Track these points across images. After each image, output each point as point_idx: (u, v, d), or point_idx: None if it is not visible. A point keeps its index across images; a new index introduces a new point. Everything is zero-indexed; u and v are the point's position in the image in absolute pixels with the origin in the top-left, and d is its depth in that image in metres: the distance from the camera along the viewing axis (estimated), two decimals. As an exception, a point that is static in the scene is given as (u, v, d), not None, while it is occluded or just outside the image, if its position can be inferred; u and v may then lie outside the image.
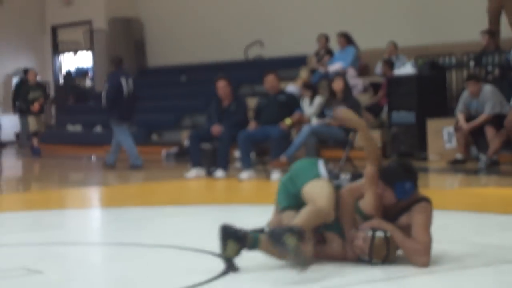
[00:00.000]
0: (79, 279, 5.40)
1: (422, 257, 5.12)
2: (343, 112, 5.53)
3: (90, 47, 23.51)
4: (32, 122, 18.40)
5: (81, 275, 5.53)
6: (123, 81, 14.09)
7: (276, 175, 11.16)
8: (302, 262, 4.86)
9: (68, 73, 25.06)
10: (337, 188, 5.30)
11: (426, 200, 5.29)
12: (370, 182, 5.25)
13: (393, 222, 5.26)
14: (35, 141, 18.49)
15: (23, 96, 18.56)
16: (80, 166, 16.92)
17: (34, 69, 19.90)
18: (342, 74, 13.04)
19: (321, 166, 5.41)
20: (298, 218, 5.07)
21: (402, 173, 5.26)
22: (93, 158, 17.66)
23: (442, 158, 12.71)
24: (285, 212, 5.39)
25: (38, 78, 19.55)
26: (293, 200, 5.39)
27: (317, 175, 5.33)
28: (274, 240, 4.95)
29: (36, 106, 18.19)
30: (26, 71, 19.45)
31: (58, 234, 7.42)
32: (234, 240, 5.15)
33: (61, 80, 24.92)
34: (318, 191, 5.20)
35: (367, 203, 5.26)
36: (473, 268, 5.19)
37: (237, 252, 5.16)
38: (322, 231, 5.32)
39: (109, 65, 21.69)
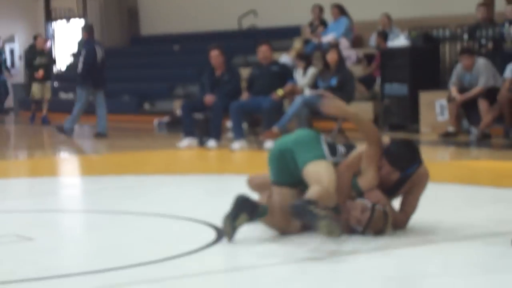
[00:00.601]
0: (69, 246, 5.42)
1: (405, 225, 5.40)
2: (332, 105, 5.46)
3: (83, 14, 23.39)
4: (36, 90, 18.11)
5: (72, 242, 5.55)
6: (97, 48, 14.35)
7: (268, 145, 11.17)
8: (335, 229, 4.83)
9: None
10: (335, 165, 5.28)
11: (427, 173, 5.37)
12: (371, 162, 5.26)
13: (391, 192, 5.33)
14: (44, 110, 18.18)
15: (29, 62, 18.25)
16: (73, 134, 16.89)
17: (42, 35, 19.72)
18: (336, 45, 13.02)
19: (324, 146, 5.29)
20: (315, 193, 4.96)
21: (411, 159, 5.33)
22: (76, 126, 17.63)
23: (433, 131, 12.73)
24: (280, 189, 5.33)
25: (49, 44, 19.37)
26: (288, 176, 5.30)
27: (321, 156, 5.21)
28: (300, 214, 4.87)
29: (40, 73, 17.88)
30: (35, 37, 19.13)
31: (50, 202, 7.43)
32: (246, 212, 5.14)
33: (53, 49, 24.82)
34: (325, 174, 5.10)
35: (366, 181, 5.25)
36: (463, 240, 5.22)
37: (244, 224, 5.16)
38: None
39: (102, 33, 21.70)
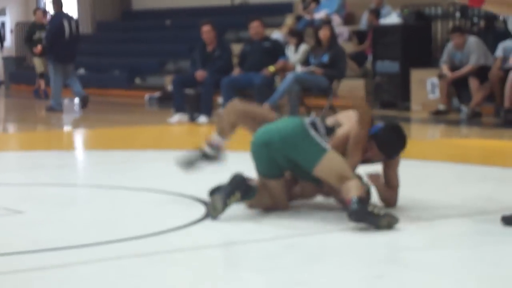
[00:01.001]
0: (58, 220, 5.41)
1: (395, 202, 5.43)
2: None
3: (75, -12, 23.27)
4: (38, 64, 17.56)
5: (61, 216, 5.54)
6: (65, 22, 14.33)
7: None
8: (394, 220, 4.89)
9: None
10: None
11: None
12: (358, 145, 5.25)
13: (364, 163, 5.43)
14: (42, 84, 17.73)
15: (28, 37, 17.62)
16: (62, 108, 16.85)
17: (41, 8, 19.19)
18: (328, 22, 12.98)
19: (313, 133, 5.14)
20: (357, 190, 4.94)
21: (400, 146, 5.36)
22: (66, 101, 17.57)
23: (424, 109, 12.74)
24: (268, 182, 5.29)
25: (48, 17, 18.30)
26: (275, 169, 5.25)
27: (320, 150, 5.08)
28: (361, 219, 4.85)
29: (38, 48, 17.21)
30: (34, 11, 18.56)
31: (39, 175, 7.42)
32: (240, 192, 5.15)
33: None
34: (342, 166, 5.06)
35: (350, 164, 5.23)
36: (452, 218, 5.23)
37: (234, 203, 5.17)
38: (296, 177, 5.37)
39: (93, 7, 21.61)
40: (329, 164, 5.07)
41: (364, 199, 4.96)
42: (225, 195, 5.13)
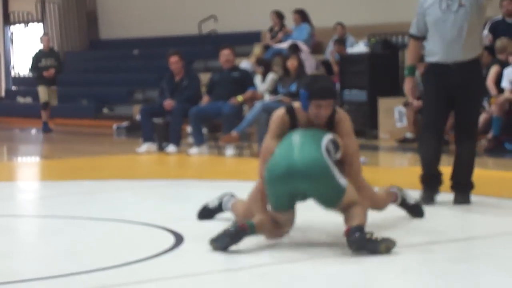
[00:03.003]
0: (24, 251, 5.36)
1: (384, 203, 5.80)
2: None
3: (42, 18, 23.19)
4: (43, 93, 16.61)
5: (27, 247, 5.49)
6: None
7: (230, 152, 11.17)
8: (391, 244, 5.00)
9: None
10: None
11: (346, 116, 5.48)
12: (357, 153, 5.43)
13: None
14: (44, 115, 16.77)
15: (34, 63, 16.70)
16: (29, 139, 16.74)
17: (47, 34, 18.47)
18: (296, 51, 13.04)
19: (333, 168, 5.09)
20: (359, 218, 5.05)
21: (322, 82, 5.42)
22: (34, 131, 17.46)
23: (392, 137, 12.81)
24: (286, 213, 5.22)
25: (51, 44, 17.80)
26: (292, 202, 5.20)
27: (343, 191, 5.08)
28: (362, 247, 4.95)
29: (51, 71, 16.43)
30: (41, 38, 17.48)
31: (5, 207, 7.35)
32: (236, 243, 5.06)
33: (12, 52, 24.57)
34: (353, 195, 5.13)
35: (356, 170, 5.40)
36: (422, 245, 5.24)
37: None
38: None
39: (61, 37, 21.57)
40: (345, 198, 5.10)
41: (363, 226, 5.01)
42: (222, 248, 5.04)
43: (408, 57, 7.19)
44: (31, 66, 16.88)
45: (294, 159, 5.06)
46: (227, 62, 11.92)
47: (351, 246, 4.96)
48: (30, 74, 17.09)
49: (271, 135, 5.43)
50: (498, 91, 11.58)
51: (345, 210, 5.11)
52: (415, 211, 6.06)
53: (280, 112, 5.48)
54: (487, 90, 11.74)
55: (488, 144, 11.39)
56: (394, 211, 5.55)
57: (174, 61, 12.03)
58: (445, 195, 7.00)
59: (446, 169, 7.02)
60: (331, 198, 5.12)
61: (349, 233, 4.98)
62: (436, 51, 6.84)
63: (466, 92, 6.81)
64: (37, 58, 16.81)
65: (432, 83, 6.91)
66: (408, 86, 7.11)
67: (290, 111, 5.43)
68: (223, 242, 5.03)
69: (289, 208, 5.20)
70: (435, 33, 6.82)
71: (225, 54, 11.94)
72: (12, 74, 24.00)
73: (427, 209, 6.30)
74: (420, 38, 7.01)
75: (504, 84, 11.52)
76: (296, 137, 5.23)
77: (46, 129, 16.68)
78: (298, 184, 5.06)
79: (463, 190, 6.89)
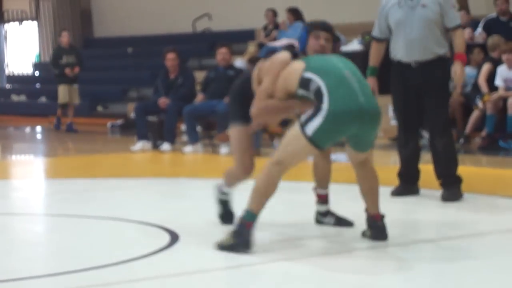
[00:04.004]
0: (21, 249, 5.37)
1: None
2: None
3: (36, 16, 23.18)
4: (63, 93, 16.14)
5: (23, 245, 5.50)
6: None
7: (224, 150, 11.18)
8: None
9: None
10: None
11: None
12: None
13: None
14: (70, 113, 16.29)
15: (55, 61, 16.23)
16: (24, 137, 16.74)
17: (66, 30, 17.51)
18: (291, 48, 13.01)
19: None
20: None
21: None
22: (28, 129, 17.48)
23: (386, 135, 12.83)
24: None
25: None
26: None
27: None
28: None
29: (76, 69, 16.08)
30: (60, 33, 17.08)
31: (1, 205, 7.36)
32: None
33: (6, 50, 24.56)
34: None
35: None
36: (415, 243, 5.27)
37: None
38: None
39: (55, 35, 21.54)
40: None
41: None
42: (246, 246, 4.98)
43: (370, 58, 7.31)
44: (52, 64, 16.36)
45: (363, 100, 5.00)
46: (223, 60, 11.93)
47: (381, 235, 5.15)
48: (52, 70, 16.38)
49: (273, 79, 5.25)
50: (490, 89, 11.62)
51: (364, 165, 5.18)
52: None
53: (285, 57, 5.33)
54: (478, 88, 11.78)
55: (482, 142, 11.43)
56: (385, 209, 5.58)
57: (171, 58, 12.04)
58: (437, 192, 7.03)
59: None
60: (371, 143, 5.16)
61: (381, 220, 5.20)
62: (398, 51, 7.01)
63: (430, 91, 6.96)
64: (57, 55, 16.33)
65: (397, 82, 7.09)
66: (371, 86, 7.12)
67: (295, 56, 5.36)
68: (243, 244, 4.95)
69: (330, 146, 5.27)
70: (397, 33, 7.00)
71: (222, 52, 11.94)
72: (6, 72, 23.98)
73: (420, 205, 6.31)
74: (382, 40, 7.13)
75: (497, 82, 11.57)
76: (348, 73, 5.12)
77: (70, 129, 16.18)
78: (364, 125, 5.00)
79: (448, 185, 6.96)
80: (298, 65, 5.17)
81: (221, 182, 5.79)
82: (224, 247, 4.98)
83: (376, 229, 5.18)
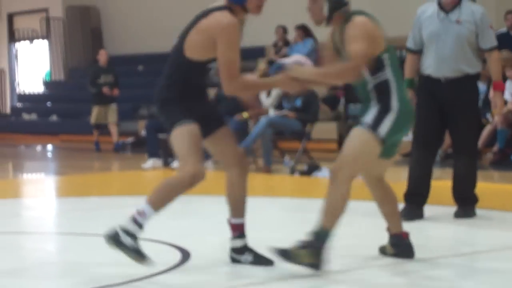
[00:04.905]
0: (32, 268, 5.37)
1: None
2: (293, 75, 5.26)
3: (46, 35, 23.29)
4: (96, 113, 16.01)
5: (35, 264, 5.50)
6: None
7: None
8: None
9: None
10: None
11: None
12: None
13: None
14: (114, 133, 16.14)
15: (93, 80, 16.01)
16: (35, 155, 16.78)
17: (105, 49, 17.51)
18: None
19: None
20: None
21: None
22: (39, 147, 17.50)
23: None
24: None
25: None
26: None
27: None
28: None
29: (115, 91, 16.02)
30: (98, 52, 16.99)
31: (12, 224, 7.36)
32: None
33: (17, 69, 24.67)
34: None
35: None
36: (427, 261, 5.25)
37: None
38: None
39: (65, 54, 21.63)
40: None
41: None
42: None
43: (406, 70, 7.07)
44: (90, 83, 16.09)
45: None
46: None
47: (409, 253, 5.10)
48: (90, 90, 16.17)
49: (236, 48, 5.20)
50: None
51: (381, 184, 5.18)
52: None
53: (233, 21, 5.20)
54: (489, 103, 11.76)
55: (494, 157, 11.40)
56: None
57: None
58: (450, 208, 7.01)
59: (450, 183, 7.04)
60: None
61: (407, 237, 5.13)
62: (429, 65, 6.80)
63: (458, 109, 6.72)
64: (95, 74, 16.12)
65: (424, 97, 6.84)
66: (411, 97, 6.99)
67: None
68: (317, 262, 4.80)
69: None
70: (429, 46, 6.78)
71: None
72: (17, 91, 24.09)
73: (430, 224, 6.29)
74: (417, 52, 6.96)
75: (506, 96, 11.54)
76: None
77: (118, 148, 16.13)
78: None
79: (464, 204, 6.89)
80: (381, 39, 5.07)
81: (142, 208, 5.22)
82: (303, 263, 4.77)
83: (404, 247, 5.14)
